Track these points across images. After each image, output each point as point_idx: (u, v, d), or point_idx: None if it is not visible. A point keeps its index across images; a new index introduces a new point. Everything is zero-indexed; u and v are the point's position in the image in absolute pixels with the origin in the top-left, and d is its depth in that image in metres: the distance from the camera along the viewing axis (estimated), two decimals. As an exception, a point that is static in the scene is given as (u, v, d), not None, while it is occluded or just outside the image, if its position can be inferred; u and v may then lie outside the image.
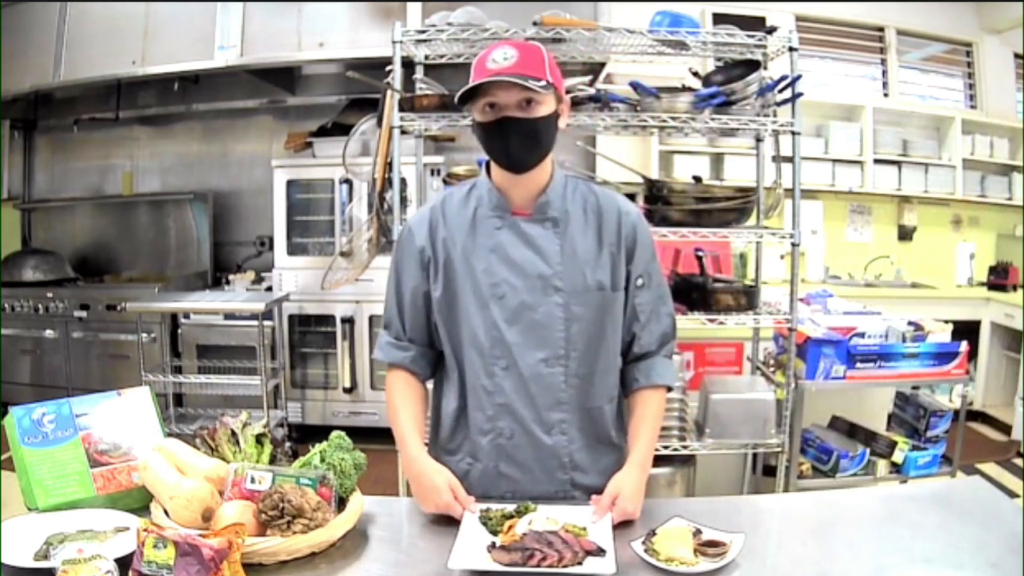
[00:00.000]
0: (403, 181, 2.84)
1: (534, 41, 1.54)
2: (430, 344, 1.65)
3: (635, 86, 2.71)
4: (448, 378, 1.64)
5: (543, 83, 1.45)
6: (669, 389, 1.69)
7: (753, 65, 2.79)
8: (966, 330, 4.11)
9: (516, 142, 1.49)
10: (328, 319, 4.61)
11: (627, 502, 1.45)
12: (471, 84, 1.46)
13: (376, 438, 3.69)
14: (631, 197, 2.29)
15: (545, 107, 1.48)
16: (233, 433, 1.53)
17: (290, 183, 4.62)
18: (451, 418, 1.63)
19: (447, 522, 1.44)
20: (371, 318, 4.54)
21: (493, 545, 1.30)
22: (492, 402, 1.57)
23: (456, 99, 1.49)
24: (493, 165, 1.57)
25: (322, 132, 4.79)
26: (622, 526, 1.42)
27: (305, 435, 4.61)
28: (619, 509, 1.44)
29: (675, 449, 2.69)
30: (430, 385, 1.71)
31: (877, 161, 5.13)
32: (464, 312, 1.57)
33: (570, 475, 1.59)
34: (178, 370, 4.52)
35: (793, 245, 2.71)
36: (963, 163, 5.18)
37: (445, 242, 1.58)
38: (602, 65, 3.86)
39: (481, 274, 1.55)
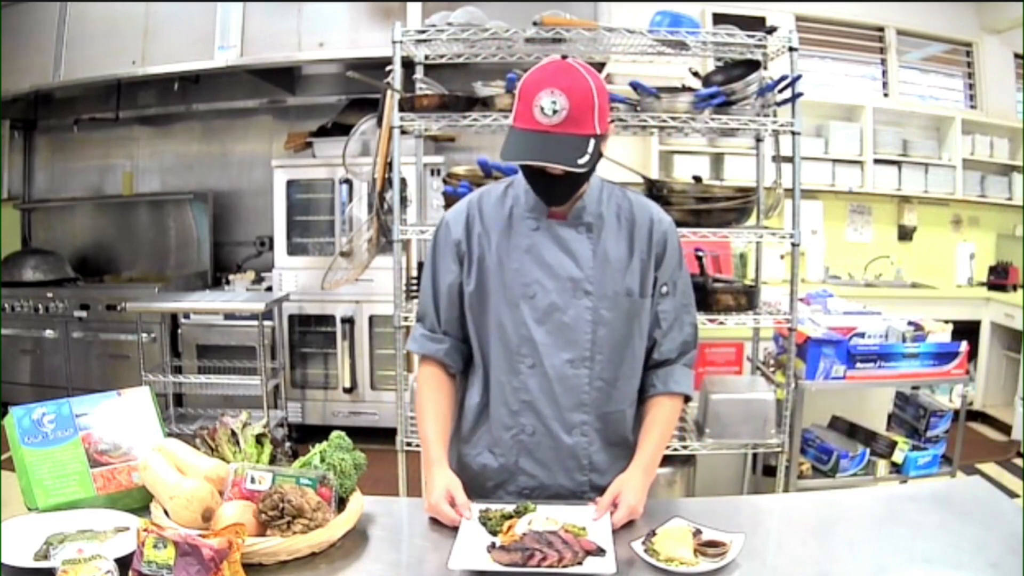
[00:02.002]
0: (403, 181, 2.84)
1: (564, 58, 1.46)
2: (464, 338, 1.66)
3: (635, 86, 2.71)
4: (474, 372, 1.66)
5: (586, 159, 1.41)
6: (687, 399, 1.69)
7: (753, 65, 2.79)
8: (966, 330, 4.11)
9: (557, 191, 1.51)
10: (328, 319, 4.61)
11: (630, 495, 1.45)
12: (515, 148, 1.43)
13: (376, 438, 3.70)
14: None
15: (588, 157, 1.43)
16: (233, 433, 1.53)
17: (290, 183, 4.62)
18: (474, 411, 1.65)
19: (447, 522, 1.44)
20: (371, 318, 4.54)
21: (493, 545, 1.30)
22: (517, 399, 1.58)
23: (501, 155, 1.44)
24: None
25: (322, 132, 4.80)
26: (622, 526, 1.41)
27: (305, 435, 4.61)
28: (623, 506, 1.44)
29: (675, 449, 2.68)
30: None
31: (877, 161, 5.12)
32: (494, 309, 1.58)
33: (588, 476, 1.61)
34: (178, 370, 4.52)
35: (793, 245, 2.71)
36: (963, 163, 5.18)
37: (480, 238, 1.59)
38: (602, 65, 3.86)
39: (513, 273, 1.56)
